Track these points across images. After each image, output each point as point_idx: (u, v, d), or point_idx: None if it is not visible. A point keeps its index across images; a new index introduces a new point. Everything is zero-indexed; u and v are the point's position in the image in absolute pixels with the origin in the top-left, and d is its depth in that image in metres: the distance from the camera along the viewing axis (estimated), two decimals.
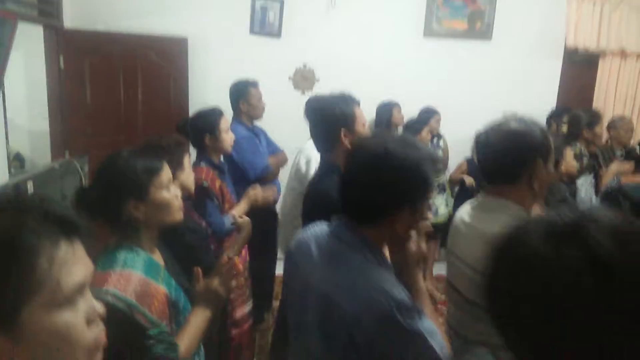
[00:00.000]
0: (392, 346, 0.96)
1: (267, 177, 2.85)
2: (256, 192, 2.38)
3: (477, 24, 4.22)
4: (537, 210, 1.53)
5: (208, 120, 2.25)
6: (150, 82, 3.82)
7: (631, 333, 0.51)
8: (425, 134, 3.55)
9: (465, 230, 1.42)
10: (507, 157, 1.32)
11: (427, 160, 1.04)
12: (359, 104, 1.75)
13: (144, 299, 1.16)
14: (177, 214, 1.33)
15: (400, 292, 0.98)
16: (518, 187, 1.34)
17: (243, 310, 2.29)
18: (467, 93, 4.26)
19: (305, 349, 1.14)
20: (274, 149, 3.15)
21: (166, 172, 1.32)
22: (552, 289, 0.54)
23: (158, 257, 1.34)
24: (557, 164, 1.74)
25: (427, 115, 3.84)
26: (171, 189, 1.33)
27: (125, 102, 3.78)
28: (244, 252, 2.28)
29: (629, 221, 0.58)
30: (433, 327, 0.99)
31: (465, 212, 1.47)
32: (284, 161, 3.11)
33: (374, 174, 1.03)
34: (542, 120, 4.15)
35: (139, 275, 1.19)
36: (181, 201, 1.38)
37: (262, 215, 2.55)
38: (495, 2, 4.18)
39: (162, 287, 1.24)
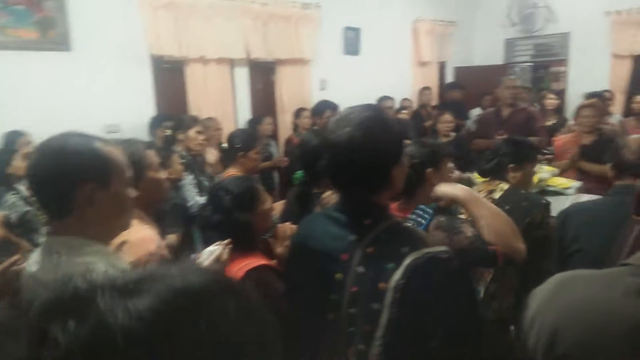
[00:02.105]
0: None
1: None
2: None
3: (50, 33, 3.77)
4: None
5: None
6: None
7: None
8: None
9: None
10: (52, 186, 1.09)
11: None
12: None
13: None
14: None
15: None
16: (75, 221, 1.10)
17: None
18: (58, 110, 3.76)
19: None
20: None
21: None
22: None
23: None
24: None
25: None
26: None
27: None
28: None
29: None
30: None
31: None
32: None
33: None
34: (144, 129, 4.12)
35: None
36: None
37: None
38: (65, 9, 3.82)
39: None
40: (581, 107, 3.89)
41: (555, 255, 2.02)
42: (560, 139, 3.95)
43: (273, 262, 1.78)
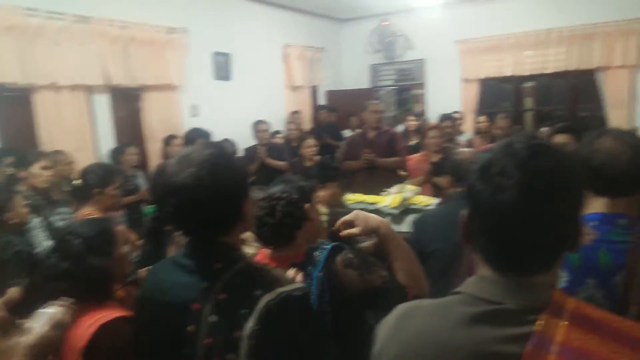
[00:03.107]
0: None
1: None
2: None
3: None
4: None
5: None
6: None
7: None
8: None
9: None
10: None
11: None
12: None
13: None
14: None
15: None
16: None
17: None
18: None
19: None
20: None
21: None
22: None
23: None
24: None
25: None
26: None
27: None
28: None
29: None
30: None
31: None
32: None
33: None
34: None
35: None
36: None
37: None
38: None
39: None
40: (427, 130, 4.29)
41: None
42: (412, 158, 4.29)
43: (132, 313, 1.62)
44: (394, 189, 3.41)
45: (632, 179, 1.23)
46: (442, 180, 2.55)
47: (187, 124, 5.35)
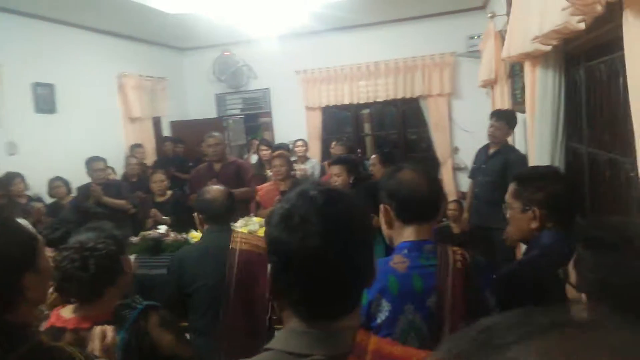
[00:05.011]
0: None
1: None
2: None
3: None
4: None
5: None
6: None
7: None
8: None
9: None
10: None
11: None
12: None
13: None
14: None
15: None
16: None
17: None
18: None
19: None
20: None
21: None
22: None
23: None
24: None
25: None
26: None
27: None
28: None
29: None
30: None
31: None
32: None
33: None
34: None
35: None
36: None
37: None
38: None
39: None
40: (272, 158, 4.32)
41: (173, 293, 2.30)
42: (262, 187, 4.28)
43: None
44: (239, 222, 3.34)
45: (432, 205, 1.35)
46: (196, 218, 2.46)
47: (4, 164, 4.66)
